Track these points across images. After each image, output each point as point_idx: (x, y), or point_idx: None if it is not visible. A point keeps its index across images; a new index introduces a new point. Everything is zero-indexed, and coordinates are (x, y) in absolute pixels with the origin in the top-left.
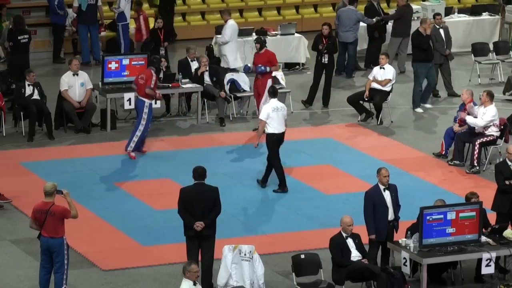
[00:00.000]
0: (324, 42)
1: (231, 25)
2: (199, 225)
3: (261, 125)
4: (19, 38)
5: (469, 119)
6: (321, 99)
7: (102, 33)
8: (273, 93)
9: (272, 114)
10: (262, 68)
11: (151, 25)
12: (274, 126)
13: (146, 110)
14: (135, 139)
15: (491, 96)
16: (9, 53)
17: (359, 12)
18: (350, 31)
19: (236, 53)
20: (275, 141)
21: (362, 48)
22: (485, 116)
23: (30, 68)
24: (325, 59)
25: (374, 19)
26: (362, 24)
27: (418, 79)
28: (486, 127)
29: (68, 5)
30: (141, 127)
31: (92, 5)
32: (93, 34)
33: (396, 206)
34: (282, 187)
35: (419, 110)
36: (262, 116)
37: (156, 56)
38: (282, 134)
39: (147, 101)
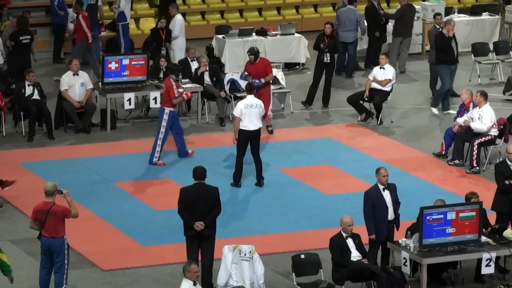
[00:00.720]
0: (326, 41)
1: (180, 20)
2: (199, 225)
3: (235, 121)
4: (21, 38)
5: (474, 125)
6: (321, 99)
7: (102, 33)
8: (249, 90)
9: (244, 110)
10: (257, 82)
11: (151, 25)
12: (244, 123)
13: (165, 117)
14: (158, 149)
15: (485, 96)
16: (10, 52)
17: (359, 12)
18: (350, 31)
19: (183, 47)
20: (244, 137)
21: (362, 48)
22: (484, 119)
23: (30, 68)
24: (327, 58)
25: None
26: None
27: (444, 80)
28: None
29: (68, 5)
30: (161, 135)
31: (92, 5)
32: (93, 34)
33: (396, 204)
34: (235, 182)
35: (434, 110)
36: (235, 112)
37: (176, 64)
38: (255, 131)
39: (167, 108)
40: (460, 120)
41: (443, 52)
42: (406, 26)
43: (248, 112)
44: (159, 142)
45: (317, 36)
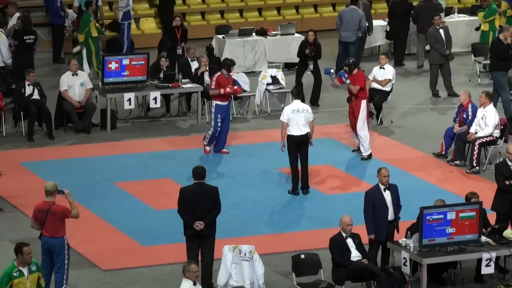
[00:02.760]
0: (310, 49)
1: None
2: (199, 224)
3: (282, 127)
4: (25, 38)
5: (481, 133)
6: (310, 100)
7: None
8: (297, 94)
9: (291, 115)
10: (342, 72)
11: (151, 25)
12: (291, 128)
13: (212, 110)
14: (207, 136)
15: (490, 97)
16: (14, 52)
17: (362, 11)
18: (352, 31)
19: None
20: (292, 143)
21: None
22: (488, 120)
23: (30, 68)
24: (311, 67)
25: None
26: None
27: (503, 88)
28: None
29: (68, 5)
30: (212, 126)
31: None
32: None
33: (397, 206)
34: (293, 190)
35: None
36: (282, 117)
37: (228, 59)
38: (302, 136)
39: (213, 102)
40: (472, 130)
41: (501, 59)
42: (425, 22)
43: (295, 116)
44: (209, 131)
45: (300, 43)
